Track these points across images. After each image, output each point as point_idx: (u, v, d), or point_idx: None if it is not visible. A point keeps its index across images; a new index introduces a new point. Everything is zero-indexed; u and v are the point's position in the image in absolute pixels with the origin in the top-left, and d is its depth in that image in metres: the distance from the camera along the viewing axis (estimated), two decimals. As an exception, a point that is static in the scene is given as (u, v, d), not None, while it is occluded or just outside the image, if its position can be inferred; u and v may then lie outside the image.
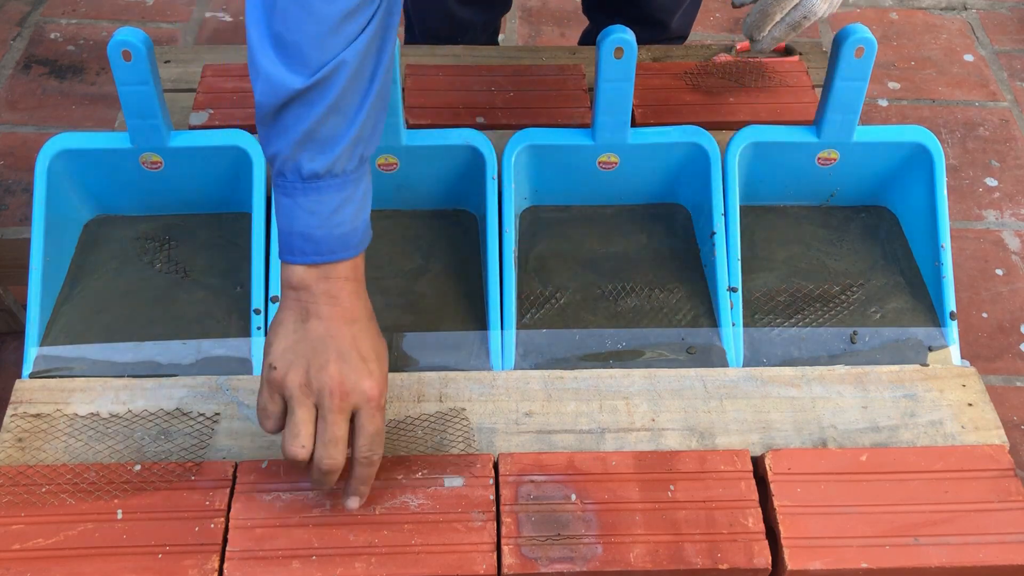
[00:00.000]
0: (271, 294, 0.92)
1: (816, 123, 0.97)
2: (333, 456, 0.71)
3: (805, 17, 0.83)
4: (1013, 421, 1.32)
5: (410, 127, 1.03)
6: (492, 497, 0.79)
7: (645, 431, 0.85)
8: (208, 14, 1.96)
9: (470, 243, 1.00)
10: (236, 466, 0.80)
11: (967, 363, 0.92)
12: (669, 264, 0.99)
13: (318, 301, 0.72)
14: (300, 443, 0.71)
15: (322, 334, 0.72)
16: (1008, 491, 0.80)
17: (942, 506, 0.79)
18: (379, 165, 0.98)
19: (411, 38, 1.52)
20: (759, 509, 0.79)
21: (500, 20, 1.54)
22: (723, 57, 1.22)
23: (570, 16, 1.98)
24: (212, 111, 1.09)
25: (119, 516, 0.77)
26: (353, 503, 0.75)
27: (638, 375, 0.89)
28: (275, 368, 0.72)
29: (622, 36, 0.88)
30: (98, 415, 0.85)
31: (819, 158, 0.99)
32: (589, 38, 1.62)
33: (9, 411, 0.85)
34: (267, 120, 0.71)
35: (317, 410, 0.72)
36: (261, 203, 0.94)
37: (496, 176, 0.95)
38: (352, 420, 0.72)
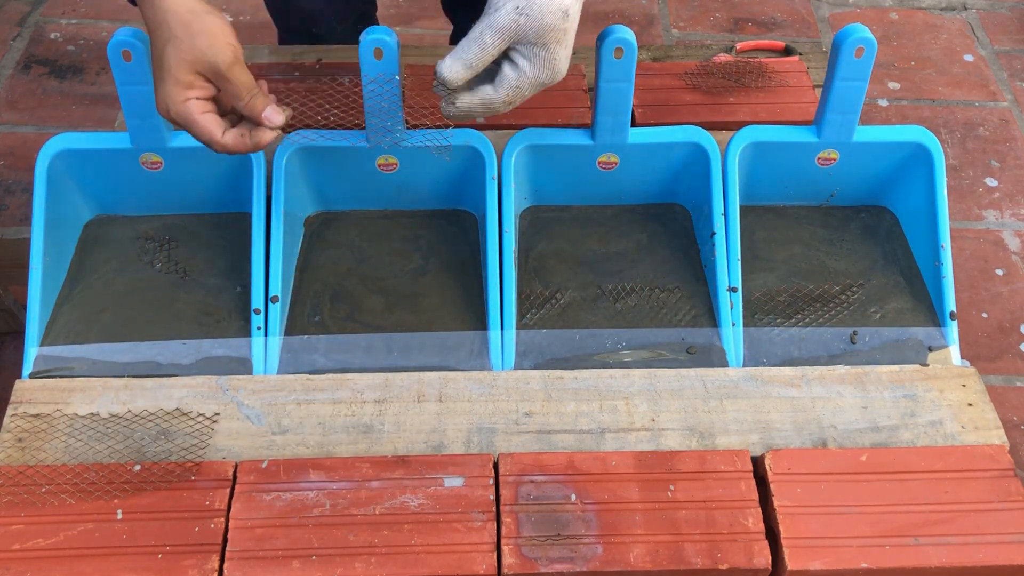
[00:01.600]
0: (271, 294, 0.92)
1: (816, 123, 0.97)
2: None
3: (497, 111, 0.82)
4: (1013, 421, 1.32)
5: (410, 127, 1.03)
6: (492, 497, 0.79)
7: (645, 431, 0.85)
8: (208, 14, 1.95)
9: (470, 243, 1.00)
10: (236, 466, 0.80)
11: (967, 363, 0.92)
12: (669, 264, 0.99)
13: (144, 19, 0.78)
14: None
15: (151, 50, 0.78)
16: (1008, 491, 0.80)
17: (942, 506, 0.79)
18: (379, 165, 0.98)
19: (282, 41, 1.45)
20: (759, 509, 0.79)
21: (362, 12, 1.46)
22: (723, 57, 1.22)
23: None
24: (212, 111, 1.08)
25: (119, 516, 0.77)
26: (273, 118, 0.79)
27: (638, 375, 0.89)
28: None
29: (622, 36, 0.88)
30: (98, 415, 0.85)
31: (819, 158, 0.99)
32: (456, 40, 1.62)
33: (9, 411, 0.85)
34: None
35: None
36: (261, 203, 0.94)
37: (496, 176, 0.95)
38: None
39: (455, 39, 1.64)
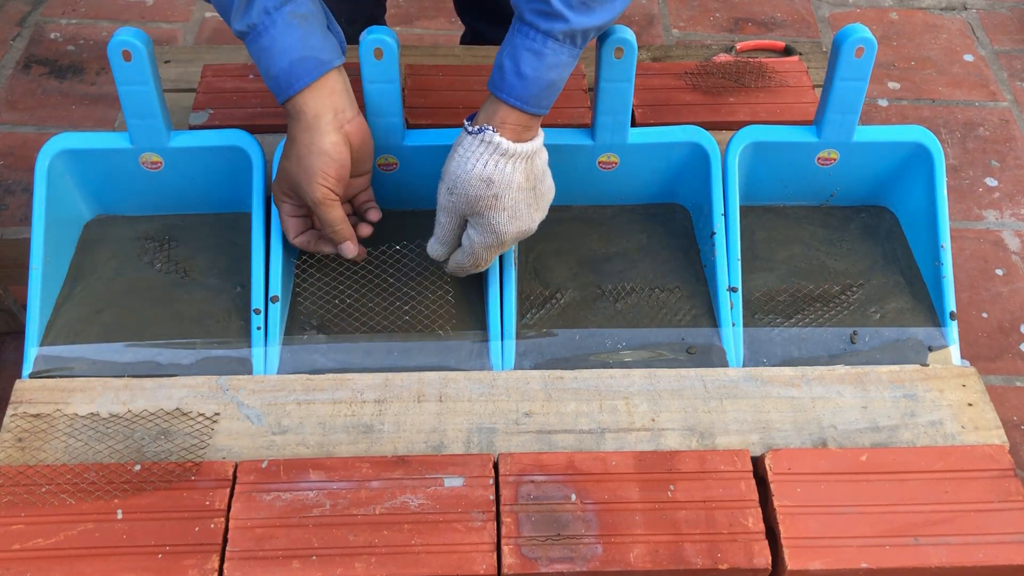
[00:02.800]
0: (271, 294, 0.92)
1: (816, 123, 0.97)
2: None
3: (480, 264, 0.90)
4: (1013, 421, 1.32)
5: (410, 127, 1.03)
6: (492, 497, 0.79)
7: (645, 431, 0.85)
8: (208, 14, 1.96)
9: (470, 243, 0.99)
10: (236, 466, 0.80)
11: (967, 363, 0.92)
12: (669, 264, 0.99)
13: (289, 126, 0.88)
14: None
15: (284, 154, 0.89)
16: (1008, 491, 0.80)
17: (942, 506, 0.79)
18: (379, 165, 0.98)
19: None
20: (759, 509, 0.79)
21: (371, 14, 1.47)
22: (723, 57, 1.22)
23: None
24: (212, 111, 1.09)
25: (119, 516, 0.77)
26: (347, 248, 0.92)
27: (638, 375, 0.89)
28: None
29: (622, 36, 0.88)
30: (98, 415, 0.85)
31: (819, 158, 0.99)
32: (466, 41, 1.62)
33: (9, 411, 0.85)
34: None
35: None
36: (261, 203, 0.94)
37: (496, 176, 0.95)
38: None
39: (465, 40, 1.64)
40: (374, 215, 0.95)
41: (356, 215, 0.96)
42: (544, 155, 0.87)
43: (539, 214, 0.88)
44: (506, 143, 0.83)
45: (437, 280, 0.97)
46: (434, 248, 0.91)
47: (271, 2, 0.83)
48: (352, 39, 1.45)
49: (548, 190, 0.89)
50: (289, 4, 0.83)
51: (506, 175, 0.83)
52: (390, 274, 0.97)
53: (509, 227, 0.86)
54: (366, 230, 0.94)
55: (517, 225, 0.86)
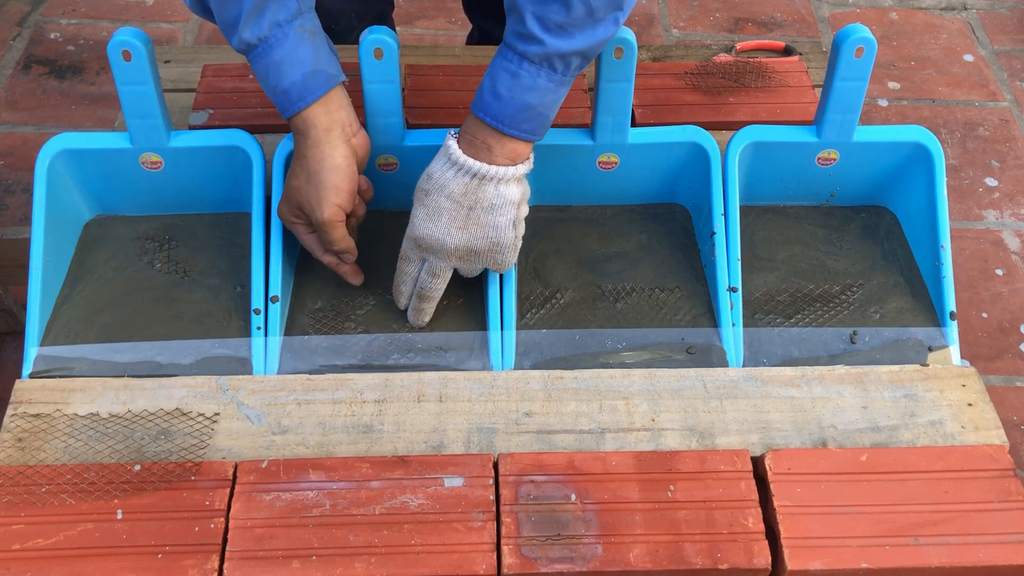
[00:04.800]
0: (271, 294, 0.92)
1: (816, 123, 0.97)
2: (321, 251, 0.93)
3: (423, 288, 0.90)
4: (1013, 421, 1.32)
5: (410, 127, 1.03)
6: (492, 497, 0.79)
7: (645, 431, 0.85)
8: (208, 14, 1.96)
9: (470, 243, 0.99)
10: (236, 466, 0.80)
11: (967, 363, 0.92)
12: (669, 264, 0.99)
13: (296, 142, 0.88)
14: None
15: (291, 171, 0.89)
16: (1008, 491, 0.80)
17: (942, 506, 0.79)
18: (379, 165, 0.98)
19: None
20: (759, 509, 0.79)
21: (380, 11, 1.47)
22: (723, 57, 1.22)
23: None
24: (212, 111, 1.09)
25: (119, 516, 0.77)
26: (356, 282, 0.96)
27: (638, 375, 0.89)
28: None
29: (622, 36, 0.88)
30: (98, 415, 0.85)
31: (819, 158, 0.99)
32: (473, 41, 1.62)
33: (9, 411, 0.85)
34: (205, 13, 0.84)
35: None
36: (261, 203, 0.94)
37: (496, 176, 0.95)
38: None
39: (472, 40, 1.63)
40: (353, 281, 0.96)
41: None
42: (508, 192, 0.84)
43: (462, 234, 0.85)
44: (455, 149, 0.83)
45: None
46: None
47: (282, 15, 0.82)
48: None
49: (491, 226, 0.85)
50: (299, 18, 0.83)
51: (443, 178, 0.84)
52: (389, 274, 0.97)
53: (422, 227, 0.86)
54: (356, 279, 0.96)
55: (429, 229, 0.86)
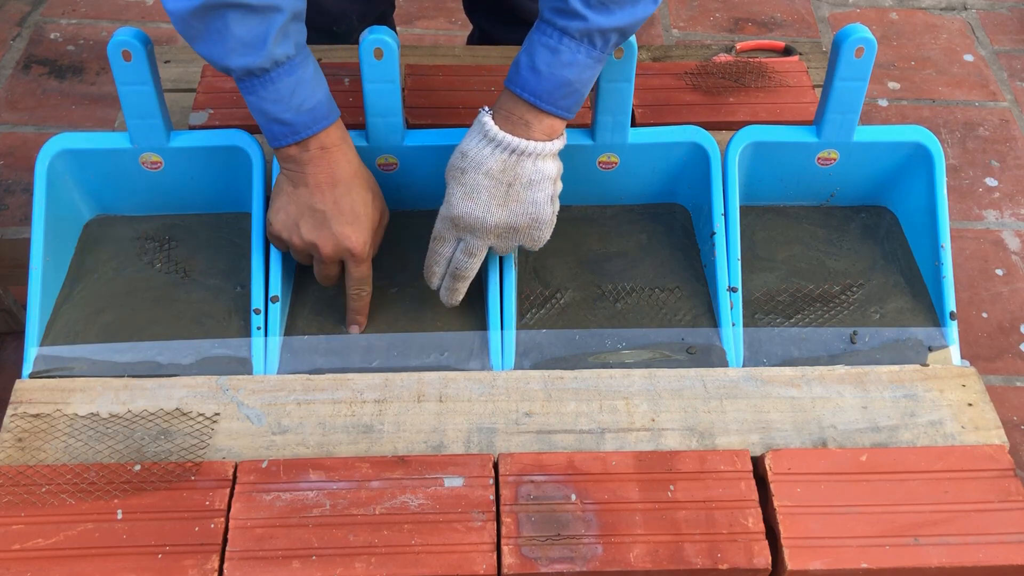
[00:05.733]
0: (271, 294, 0.92)
1: (816, 123, 0.97)
2: (329, 281, 0.92)
3: (457, 269, 0.88)
4: (1013, 421, 1.32)
5: (410, 127, 1.03)
6: (492, 497, 0.79)
7: (645, 431, 0.85)
8: (208, 14, 1.95)
9: (470, 243, 0.99)
10: (236, 466, 0.80)
11: (967, 363, 0.92)
12: (669, 264, 0.99)
13: (304, 171, 0.86)
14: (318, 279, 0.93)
15: (308, 199, 0.86)
16: (1008, 491, 0.80)
17: (942, 506, 0.79)
18: (379, 165, 0.98)
19: None
20: (759, 509, 0.79)
21: (382, 12, 1.48)
22: (723, 57, 1.22)
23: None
24: (212, 111, 1.09)
25: (119, 516, 0.77)
26: (353, 329, 0.94)
27: (638, 375, 0.89)
28: (272, 225, 0.89)
29: (622, 36, 0.88)
30: (98, 415, 0.85)
31: (819, 158, 0.99)
32: (473, 41, 1.62)
33: (9, 411, 0.85)
34: (190, 29, 0.79)
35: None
36: (261, 203, 0.94)
37: (496, 176, 0.95)
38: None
39: (472, 40, 1.64)
40: (353, 329, 0.94)
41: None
42: (545, 167, 0.84)
43: (502, 212, 0.84)
44: (490, 124, 0.82)
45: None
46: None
47: (299, 38, 0.82)
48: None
49: (531, 202, 0.85)
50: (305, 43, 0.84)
51: (479, 155, 0.83)
52: (390, 274, 0.97)
53: (460, 205, 0.84)
54: (355, 328, 0.94)
55: (469, 207, 0.84)
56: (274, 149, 0.86)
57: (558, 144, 0.85)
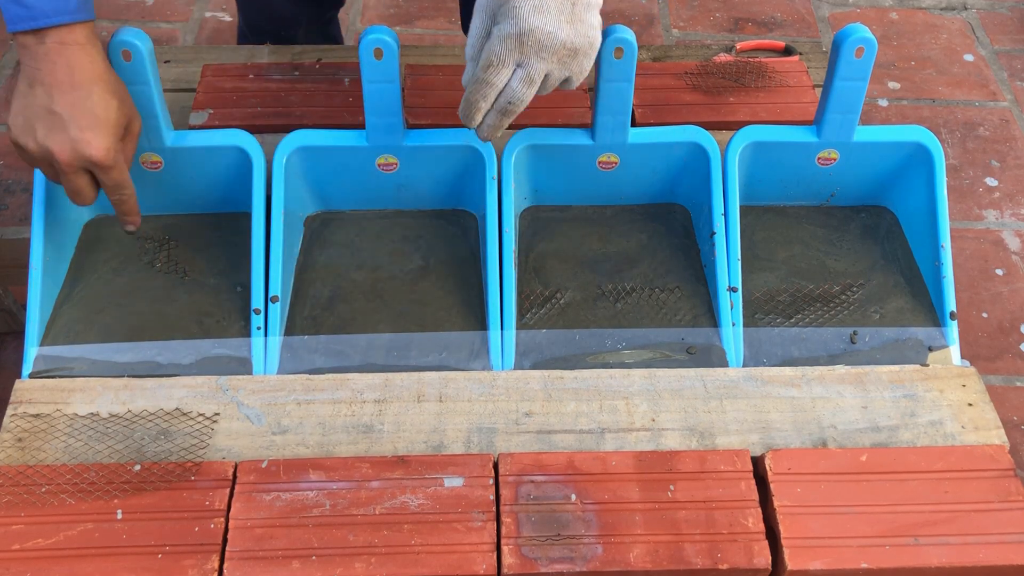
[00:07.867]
0: (271, 294, 0.92)
1: (816, 123, 0.97)
2: (79, 198, 0.84)
3: (510, 102, 0.81)
4: (1013, 421, 1.32)
5: (410, 127, 1.03)
6: (492, 497, 0.79)
7: (645, 431, 0.85)
8: (208, 14, 1.96)
9: (470, 243, 1.00)
10: (236, 466, 0.80)
11: (967, 363, 0.92)
12: (669, 264, 0.99)
13: (40, 68, 0.79)
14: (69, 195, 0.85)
15: (45, 101, 0.79)
16: (1008, 491, 0.80)
17: (942, 506, 0.79)
18: (379, 165, 0.98)
19: (243, 39, 1.47)
20: (759, 509, 0.79)
21: (331, 15, 1.47)
22: (723, 57, 1.22)
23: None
24: (212, 111, 1.09)
25: (119, 516, 0.77)
26: (128, 228, 0.90)
27: (638, 375, 0.89)
28: (11, 129, 0.81)
29: (622, 36, 0.88)
30: (98, 415, 0.85)
31: (819, 158, 0.99)
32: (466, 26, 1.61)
33: (9, 411, 0.85)
34: None
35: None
36: (261, 203, 0.94)
37: (496, 176, 0.95)
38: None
39: (464, 23, 1.62)
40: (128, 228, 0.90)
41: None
42: None
43: (568, 27, 0.78)
44: None
45: (438, 280, 0.97)
46: (467, 65, 0.84)
47: None
48: (308, 39, 1.47)
49: (590, 25, 0.79)
50: None
51: None
52: (391, 273, 0.97)
53: (531, 18, 0.77)
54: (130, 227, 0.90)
55: (540, 21, 0.77)
56: (10, 36, 0.79)
57: None
